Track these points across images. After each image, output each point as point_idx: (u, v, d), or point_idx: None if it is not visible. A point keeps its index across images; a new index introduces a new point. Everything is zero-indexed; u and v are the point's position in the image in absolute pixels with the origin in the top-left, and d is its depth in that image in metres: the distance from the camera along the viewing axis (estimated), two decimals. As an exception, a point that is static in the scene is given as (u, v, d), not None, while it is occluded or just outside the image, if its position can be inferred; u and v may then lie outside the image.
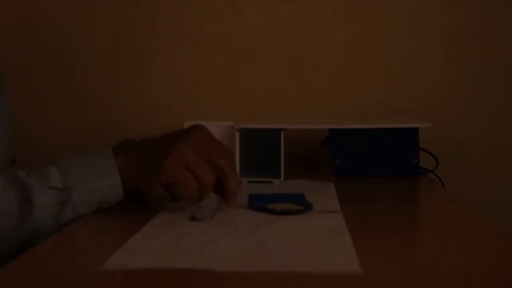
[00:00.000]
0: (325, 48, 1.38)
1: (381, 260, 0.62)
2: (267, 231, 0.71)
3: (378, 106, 1.37)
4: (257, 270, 0.58)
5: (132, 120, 1.40)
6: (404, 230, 0.78)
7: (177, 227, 0.74)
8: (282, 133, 1.06)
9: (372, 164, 1.13)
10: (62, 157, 0.85)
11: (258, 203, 0.83)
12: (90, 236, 0.76)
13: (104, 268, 0.58)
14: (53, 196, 0.78)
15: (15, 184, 0.77)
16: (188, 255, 0.63)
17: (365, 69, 1.38)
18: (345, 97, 1.38)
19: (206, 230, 0.73)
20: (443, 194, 1.05)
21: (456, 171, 1.34)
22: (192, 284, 0.56)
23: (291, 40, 1.38)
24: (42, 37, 1.42)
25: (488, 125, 1.37)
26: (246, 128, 1.07)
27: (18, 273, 0.58)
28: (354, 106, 1.37)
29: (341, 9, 1.37)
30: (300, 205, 0.82)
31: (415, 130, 1.13)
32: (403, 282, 0.56)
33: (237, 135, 1.06)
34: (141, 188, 0.83)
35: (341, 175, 1.12)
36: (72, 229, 0.75)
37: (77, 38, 1.41)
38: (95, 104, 1.41)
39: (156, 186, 0.82)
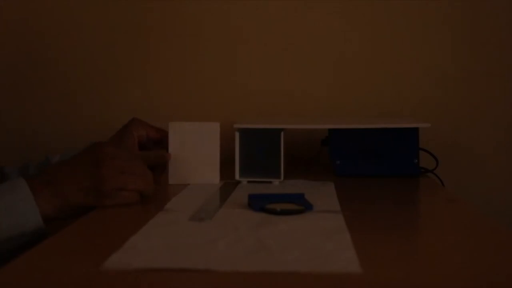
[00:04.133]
0: (325, 48, 1.38)
1: (381, 260, 0.62)
2: (267, 231, 0.71)
3: (378, 106, 1.37)
4: (257, 270, 0.58)
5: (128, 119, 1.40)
6: (404, 230, 0.78)
7: (177, 227, 0.74)
8: (282, 133, 1.06)
9: (372, 164, 1.13)
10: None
11: (258, 203, 0.83)
12: (90, 236, 0.76)
13: (103, 268, 0.58)
14: None
15: None
16: (188, 255, 0.63)
17: (365, 69, 1.38)
18: (345, 97, 1.38)
19: (206, 230, 0.73)
20: (443, 194, 1.05)
21: (456, 171, 1.34)
22: (192, 284, 0.56)
23: (290, 40, 1.38)
24: (38, 38, 1.42)
25: (488, 125, 1.36)
26: (245, 128, 1.06)
27: (18, 273, 0.58)
28: (354, 106, 1.37)
29: (341, 9, 1.37)
30: (300, 205, 0.82)
31: (415, 130, 1.13)
32: (403, 282, 0.55)
33: (237, 135, 1.06)
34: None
35: (341, 175, 1.12)
36: (72, 229, 0.75)
37: (71, 39, 1.41)
38: (88, 103, 1.41)
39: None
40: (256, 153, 1.05)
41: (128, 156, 0.89)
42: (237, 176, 1.05)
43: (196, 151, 1.03)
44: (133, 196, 0.86)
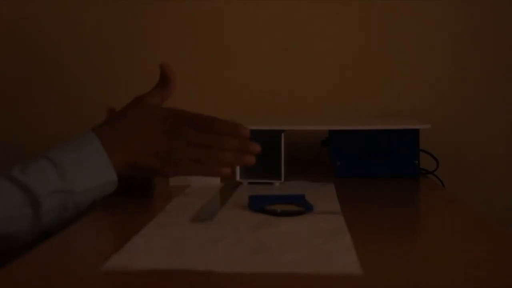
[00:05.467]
0: (326, 49, 1.38)
1: (381, 261, 0.62)
2: (267, 232, 0.71)
3: (378, 107, 1.37)
4: (258, 271, 0.58)
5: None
6: (405, 231, 0.78)
7: (178, 228, 0.74)
8: (283, 135, 1.06)
9: (372, 165, 1.13)
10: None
11: (258, 205, 0.83)
12: (91, 237, 0.76)
13: (104, 269, 0.58)
14: (57, 200, 0.79)
15: (19, 188, 0.78)
16: (188, 256, 0.63)
17: (366, 70, 1.38)
18: (345, 98, 1.38)
19: (206, 231, 0.73)
20: (444, 195, 1.05)
21: (457, 172, 1.34)
22: (192, 285, 0.56)
23: (291, 40, 1.38)
24: (36, 38, 1.42)
25: (488, 126, 1.36)
26: (246, 129, 1.06)
27: (18, 273, 0.58)
28: (354, 107, 1.37)
29: (343, 9, 1.37)
30: (300, 206, 0.82)
31: (416, 131, 1.13)
32: (403, 283, 0.56)
33: (238, 136, 1.06)
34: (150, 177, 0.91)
35: (341, 176, 1.12)
36: (73, 230, 0.76)
37: (70, 39, 1.41)
38: (88, 104, 1.41)
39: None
40: (257, 154, 1.05)
41: (205, 125, 0.87)
42: (237, 178, 1.05)
43: None
44: (208, 169, 0.86)
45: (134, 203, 0.91)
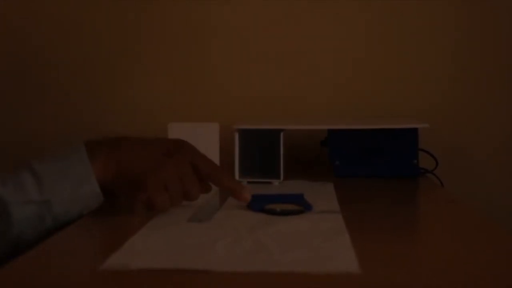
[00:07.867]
0: (325, 49, 1.38)
1: (380, 260, 0.62)
2: (266, 231, 0.71)
3: (378, 107, 1.37)
4: (257, 271, 0.58)
5: (126, 122, 1.39)
6: (404, 231, 0.78)
7: (176, 228, 0.74)
8: (282, 134, 1.06)
9: (371, 165, 1.13)
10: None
11: (257, 204, 0.83)
12: (90, 237, 0.76)
13: (103, 268, 0.58)
14: (31, 210, 0.77)
15: None
16: (187, 256, 0.63)
17: (365, 69, 1.38)
18: (344, 98, 1.38)
19: (205, 231, 0.73)
20: (443, 195, 1.05)
21: (456, 172, 1.34)
22: (191, 285, 0.56)
23: (291, 41, 1.38)
24: (35, 40, 1.42)
25: (488, 126, 1.36)
26: (245, 128, 1.07)
27: (18, 273, 0.58)
28: (354, 107, 1.37)
29: (342, 10, 1.37)
30: (299, 205, 0.83)
31: (415, 130, 1.13)
32: (402, 283, 0.55)
33: (237, 135, 1.06)
34: (119, 197, 0.84)
35: (340, 175, 1.12)
36: (72, 229, 0.75)
37: (69, 41, 1.41)
38: (87, 106, 1.41)
39: (134, 201, 0.81)
40: (256, 154, 1.05)
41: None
42: (236, 177, 1.05)
43: None
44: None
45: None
